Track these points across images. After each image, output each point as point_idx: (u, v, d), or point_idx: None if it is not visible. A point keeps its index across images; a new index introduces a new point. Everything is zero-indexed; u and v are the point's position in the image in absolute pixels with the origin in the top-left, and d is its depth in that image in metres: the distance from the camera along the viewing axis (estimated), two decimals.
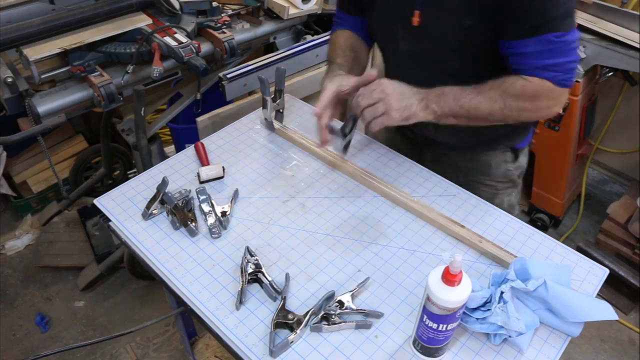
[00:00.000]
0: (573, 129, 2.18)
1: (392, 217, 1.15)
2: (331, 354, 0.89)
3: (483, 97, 1.04)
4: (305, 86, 1.82)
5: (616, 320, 2.13)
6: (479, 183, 1.32)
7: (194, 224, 1.10)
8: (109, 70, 1.57)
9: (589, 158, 2.50)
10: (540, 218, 2.52)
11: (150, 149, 1.81)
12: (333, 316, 0.93)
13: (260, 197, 1.19)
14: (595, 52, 1.98)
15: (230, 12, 1.85)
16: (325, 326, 0.92)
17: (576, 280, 1.02)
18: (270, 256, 1.06)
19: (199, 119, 1.58)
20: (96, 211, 2.32)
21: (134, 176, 1.28)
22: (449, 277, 0.76)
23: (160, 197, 1.12)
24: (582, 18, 2.04)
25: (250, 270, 1.00)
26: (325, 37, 1.88)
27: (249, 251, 1.04)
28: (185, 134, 2.07)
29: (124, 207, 1.16)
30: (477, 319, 0.90)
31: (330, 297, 0.96)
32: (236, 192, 1.18)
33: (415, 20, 1.06)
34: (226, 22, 1.78)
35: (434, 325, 0.82)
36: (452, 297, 0.77)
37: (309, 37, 1.92)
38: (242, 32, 1.83)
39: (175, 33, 1.60)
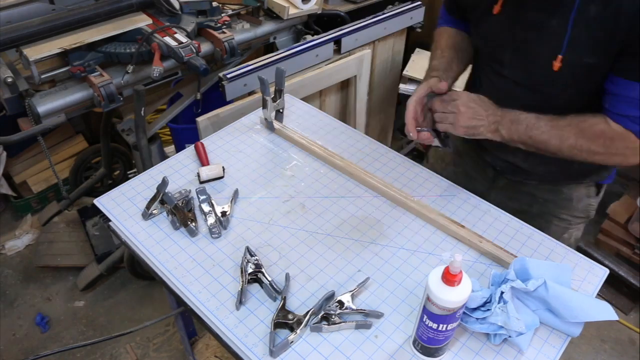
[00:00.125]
0: None
1: (392, 217, 1.15)
2: (331, 354, 0.89)
3: (555, 132, 1.02)
4: (305, 86, 1.82)
5: (616, 320, 2.13)
6: (554, 216, 1.26)
7: (194, 224, 1.10)
8: (109, 70, 1.57)
9: None
10: None
11: (150, 149, 1.81)
12: (333, 316, 0.93)
13: (260, 197, 1.19)
14: None
15: (230, 12, 1.85)
16: (325, 326, 0.92)
17: (576, 280, 1.02)
18: (270, 256, 1.06)
19: (199, 119, 1.58)
20: (96, 211, 2.34)
21: (134, 176, 1.28)
22: (449, 277, 0.76)
23: (160, 197, 1.12)
24: None
25: (250, 270, 1.00)
26: (325, 37, 1.88)
27: (249, 251, 1.04)
28: (185, 134, 2.07)
29: (124, 207, 1.16)
30: (477, 319, 0.90)
31: (330, 297, 0.96)
32: (236, 192, 1.18)
33: (557, 65, 0.99)
34: (226, 22, 1.77)
35: (434, 325, 0.82)
36: (452, 297, 0.77)
37: (309, 37, 1.92)
38: (242, 32, 1.83)
39: (175, 33, 1.60)
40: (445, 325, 0.81)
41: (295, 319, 0.93)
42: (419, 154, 2.82)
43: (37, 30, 1.48)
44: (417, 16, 2.17)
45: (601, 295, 2.22)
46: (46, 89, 1.54)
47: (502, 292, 0.89)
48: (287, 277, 1.00)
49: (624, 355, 2.07)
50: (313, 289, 1.00)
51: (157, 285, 2.19)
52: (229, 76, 1.65)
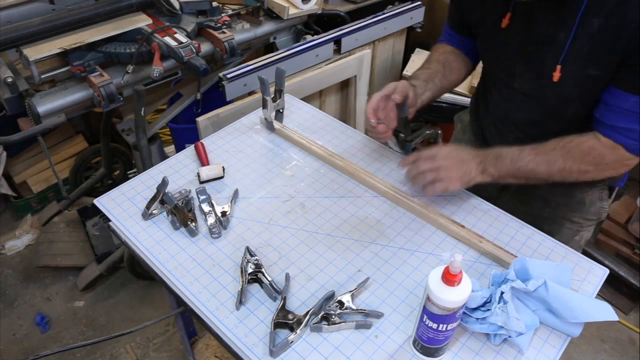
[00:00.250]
0: None
1: (392, 217, 1.15)
2: (331, 354, 0.89)
3: (541, 159, 1.03)
4: (305, 86, 1.82)
5: (616, 321, 2.13)
6: (566, 219, 1.26)
7: (194, 224, 1.10)
8: (109, 70, 1.57)
9: None
10: None
11: (150, 149, 1.81)
12: (333, 316, 0.93)
13: (260, 197, 1.19)
14: None
15: (230, 12, 1.85)
16: (325, 326, 0.92)
17: (576, 280, 1.02)
18: (270, 256, 1.06)
19: (199, 119, 1.58)
20: (96, 211, 2.34)
21: (134, 176, 1.28)
22: (449, 277, 0.76)
23: (160, 197, 1.12)
24: None
25: (250, 270, 1.00)
26: (325, 37, 1.88)
27: (249, 251, 1.04)
28: (185, 134, 2.07)
29: (124, 207, 1.16)
30: (477, 319, 0.90)
31: (330, 297, 0.96)
32: (236, 192, 1.18)
33: (557, 75, 1.00)
34: (226, 22, 1.77)
35: (434, 325, 0.82)
36: (452, 297, 0.77)
37: (309, 37, 1.92)
38: (242, 32, 1.83)
39: (175, 33, 1.60)
40: (445, 325, 0.81)
41: (295, 319, 0.93)
42: None
43: (37, 30, 1.48)
44: (417, 16, 2.17)
45: (601, 295, 2.22)
46: (46, 89, 1.54)
47: (502, 292, 0.89)
48: (287, 277, 1.00)
49: (624, 355, 2.07)
50: (313, 289, 1.00)
51: (157, 285, 2.19)
52: (229, 76, 1.65)
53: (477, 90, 1.34)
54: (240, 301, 0.96)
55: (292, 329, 0.92)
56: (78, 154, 2.58)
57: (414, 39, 2.35)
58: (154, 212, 1.13)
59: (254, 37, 1.87)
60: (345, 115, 2.17)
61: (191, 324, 1.66)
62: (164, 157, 1.96)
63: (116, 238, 1.16)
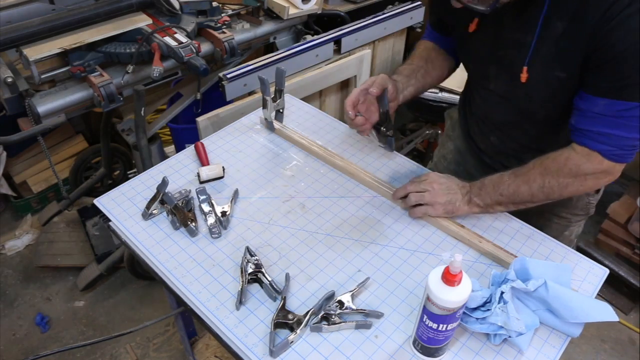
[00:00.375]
0: None
1: (392, 217, 1.15)
2: (331, 354, 0.89)
3: (521, 180, 1.04)
4: (305, 86, 1.82)
5: (616, 321, 2.13)
6: (554, 215, 1.27)
7: (194, 224, 1.10)
8: (109, 70, 1.57)
9: None
10: None
11: (150, 149, 1.81)
12: (333, 316, 0.93)
13: (260, 197, 1.19)
14: None
15: (230, 12, 1.85)
16: (325, 326, 0.92)
17: (576, 280, 1.02)
18: (270, 256, 1.06)
19: (199, 119, 1.58)
20: (96, 211, 2.34)
21: (134, 176, 1.28)
22: (449, 277, 0.76)
23: (160, 197, 1.12)
24: None
25: (250, 270, 1.00)
26: (325, 37, 1.88)
27: (249, 251, 1.04)
28: (185, 134, 2.07)
29: (124, 207, 1.16)
30: (477, 319, 0.89)
31: (330, 297, 0.96)
32: (236, 192, 1.19)
33: (524, 76, 1.01)
34: (226, 22, 1.78)
35: (434, 325, 0.82)
36: (452, 297, 0.77)
37: (309, 37, 1.92)
38: (242, 32, 1.83)
39: (175, 33, 1.60)
40: (445, 325, 0.81)
41: (295, 319, 0.93)
42: (419, 154, 2.82)
43: (37, 30, 1.48)
44: (417, 16, 2.17)
45: (601, 295, 2.22)
46: (46, 89, 1.54)
47: (502, 292, 0.89)
48: (287, 277, 1.00)
49: (624, 355, 2.07)
50: (313, 289, 1.00)
51: (157, 285, 2.19)
52: (229, 76, 1.65)
53: (464, 89, 1.34)
54: (240, 301, 0.96)
55: (292, 329, 0.92)
56: (78, 154, 2.58)
57: (414, 39, 2.35)
58: (154, 212, 1.13)
59: (254, 37, 1.87)
60: (345, 115, 2.17)
61: (191, 324, 1.66)
62: (164, 157, 1.96)
63: (116, 238, 1.16)
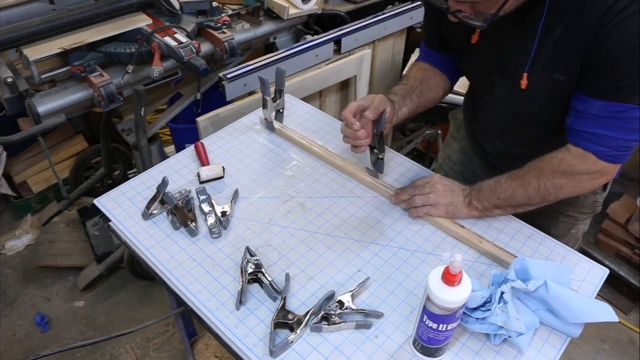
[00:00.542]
0: None
1: (392, 217, 1.15)
2: (331, 354, 0.89)
3: (517, 183, 1.04)
4: (305, 86, 1.82)
5: (616, 321, 2.13)
6: (561, 213, 1.26)
7: (194, 224, 1.10)
8: (109, 70, 1.57)
9: None
10: None
11: (150, 149, 1.81)
12: (333, 316, 0.93)
13: (260, 197, 1.19)
14: None
15: (230, 12, 1.85)
16: (325, 326, 0.92)
17: (576, 280, 1.02)
18: (270, 256, 1.06)
19: (199, 119, 1.58)
20: (96, 211, 2.34)
21: (134, 176, 1.28)
22: (449, 277, 0.76)
23: (160, 197, 1.12)
24: None
25: (250, 270, 1.00)
26: (325, 37, 1.88)
27: (249, 251, 1.04)
28: (185, 134, 2.07)
29: (124, 207, 1.16)
30: (477, 319, 0.89)
31: (330, 297, 0.96)
32: (236, 192, 1.18)
33: (524, 83, 1.01)
34: (226, 22, 1.77)
35: (434, 325, 0.82)
36: (452, 297, 0.77)
37: (309, 37, 1.92)
38: (242, 32, 1.83)
39: (175, 33, 1.60)
40: (445, 325, 0.81)
41: (295, 319, 0.93)
42: (419, 154, 2.82)
43: (37, 30, 1.48)
44: (417, 16, 2.17)
45: (601, 295, 2.22)
46: (46, 89, 1.54)
47: (502, 292, 0.89)
48: (287, 277, 1.00)
49: (624, 355, 2.07)
50: (313, 289, 1.00)
51: (157, 285, 2.19)
52: (229, 76, 1.65)
53: (468, 93, 1.34)
54: (240, 301, 0.96)
55: (292, 329, 0.92)
56: (78, 154, 2.58)
57: (414, 39, 2.35)
58: (154, 212, 1.13)
59: (254, 37, 1.87)
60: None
61: (191, 324, 1.66)
62: (164, 157, 1.96)
63: (116, 238, 1.16)
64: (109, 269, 2.20)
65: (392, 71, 2.33)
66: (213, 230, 1.10)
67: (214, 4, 1.78)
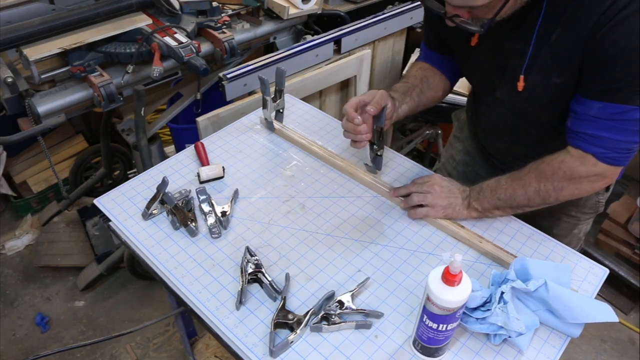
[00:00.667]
0: None
1: (392, 217, 1.15)
2: (331, 354, 0.89)
3: (517, 184, 1.04)
4: (305, 86, 1.82)
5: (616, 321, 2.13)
6: (563, 213, 1.26)
7: (194, 224, 1.10)
8: (109, 70, 1.57)
9: None
10: None
11: (150, 149, 1.81)
12: (333, 316, 0.93)
13: (260, 197, 1.19)
14: None
15: (230, 12, 1.85)
16: (325, 326, 0.92)
17: (576, 280, 1.02)
18: (270, 256, 1.06)
19: (199, 119, 1.58)
20: (96, 211, 2.34)
21: (134, 176, 1.28)
22: (449, 277, 0.76)
23: (160, 197, 1.12)
24: None
25: (250, 270, 1.00)
26: (325, 37, 1.88)
27: (249, 251, 1.04)
28: (185, 134, 2.07)
29: (124, 207, 1.16)
30: (477, 319, 0.90)
31: (330, 297, 0.96)
32: (236, 192, 1.18)
33: (521, 85, 1.02)
34: (226, 22, 1.77)
35: (434, 325, 0.82)
36: (452, 297, 0.77)
37: (309, 37, 1.92)
38: (242, 32, 1.83)
39: (175, 33, 1.60)
40: (445, 325, 0.81)
41: (295, 319, 0.93)
42: (419, 154, 2.82)
43: (37, 30, 1.48)
44: (417, 16, 2.17)
45: (601, 295, 2.22)
46: (46, 89, 1.54)
47: (502, 292, 0.89)
48: (287, 277, 1.00)
49: (624, 355, 2.07)
50: (313, 289, 1.00)
51: (157, 285, 2.19)
52: (229, 76, 1.65)
53: (470, 94, 1.35)
54: (240, 301, 0.96)
55: (292, 329, 0.92)
56: (78, 154, 2.58)
57: (414, 39, 2.35)
58: (154, 212, 1.13)
59: (254, 37, 1.87)
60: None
61: (191, 324, 1.66)
62: (164, 157, 1.96)
63: (116, 238, 1.16)
64: (109, 269, 2.20)
65: (392, 71, 2.33)
66: (213, 230, 1.10)
67: (214, 4, 1.78)
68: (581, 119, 0.95)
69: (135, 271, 2.17)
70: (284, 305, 0.95)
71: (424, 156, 2.67)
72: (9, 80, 1.44)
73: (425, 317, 0.82)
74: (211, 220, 1.12)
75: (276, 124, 1.37)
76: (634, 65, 0.85)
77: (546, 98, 1.01)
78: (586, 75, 0.92)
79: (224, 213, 1.13)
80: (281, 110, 1.37)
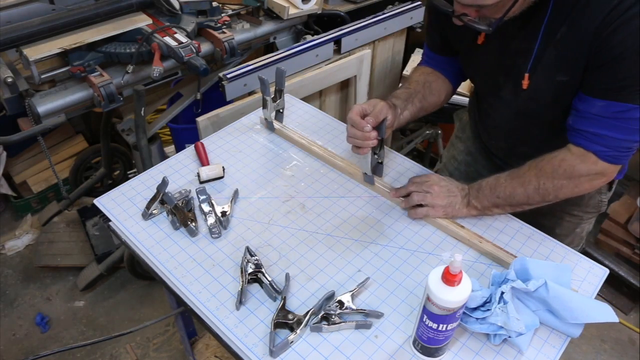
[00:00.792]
0: None
1: (392, 217, 1.15)
2: (331, 354, 0.89)
3: (517, 182, 1.04)
4: (305, 86, 1.82)
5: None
6: (565, 213, 1.26)
7: (194, 224, 1.10)
8: (109, 70, 1.57)
9: None
10: None
11: (150, 149, 1.81)
12: (333, 316, 0.93)
13: (260, 197, 1.19)
14: None
15: (230, 12, 1.85)
16: (325, 326, 0.92)
17: (576, 280, 1.02)
18: (270, 256, 1.06)
19: (199, 119, 1.58)
20: (96, 211, 2.34)
21: (134, 176, 1.28)
22: (449, 277, 0.76)
23: (160, 197, 1.12)
24: None
25: (250, 270, 1.00)
26: (325, 37, 1.88)
27: (249, 251, 1.04)
28: (185, 134, 2.07)
29: (124, 207, 1.16)
30: (477, 319, 0.90)
31: (330, 297, 0.96)
32: (236, 192, 1.18)
33: (525, 83, 1.02)
34: (226, 22, 1.77)
35: (434, 325, 0.82)
36: (452, 297, 0.77)
37: (309, 37, 1.92)
38: (242, 32, 1.83)
39: (175, 33, 1.60)
40: (445, 325, 0.81)
41: (295, 319, 0.93)
42: (419, 154, 2.82)
43: (37, 30, 1.48)
44: (417, 16, 2.17)
45: (601, 295, 2.22)
46: (46, 89, 1.54)
47: (502, 292, 0.89)
48: (287, 277, 1.00)
49: (624, 355, 2.07)
50: (313, 289, 1.00)
51: (157, 285, 2.19)
52: (229, 76, 1.65)
53: (473, 94, 1.34)
54: (240, 301, 0.96)
55: (292, 329, 0.92)
56: (78, 154, 2.58)
57: (414, 39, 2.35)
58: (154, 212, 1.13)
59: (254, 37, 1.87)
60: (345, 115, 2.15)
61: (191, 324, 1.66)
62: (164, 157, 1.96)
63: (116, 238, 1.16)
64: (109, 269, 2.20)
65: (392, 71, 2.33)
66: (213, 230, 1.10)
67: (214, 4, 1.78)
68: (583, 117, 0.95)
69: (135, 271, 2.17)
70: (284, 305, 0.95)
71: (424, 156, 2.67)
72: (9, 80, 1.44)
73: (425, 317, 0.82)
74: (211, 220, 1.12)
75: (276, 124, 1.37)
76: (637, 65, 0.85)
77: (550, 97, 1.01)
78: (590, 73, 0.92)
79: (224, 213, 1.13)
80: (281, 110, 1.37)
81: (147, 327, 1.51)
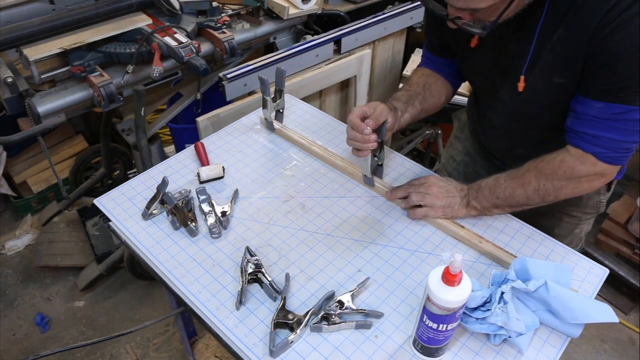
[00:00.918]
0: None
1: (392, 217, 1.15)
2: (331, 354, 0.89)
3: (517, 182, 1.04)
4: (305, 86, 1.82)
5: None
6: (564, 214, 1.26)
7: (194, 224, 1.10)
8: (109, 70, 1.57)
9: None
10: None
11: (150, 149, 1.81)
12: (333, 316, 0.93)
13: (260, 197, 1.19)
14: None
15: (230, 12, 1.85)
16: (325, 326, 0.92)
17: (576, 280, 1.02)
18: (270, 256, 1.06)
19: (199, 119, 1.58)
20: (96, 211, 2.34)
21: (134, 176, 1.28)
22: (449, 277, 0.76)
23: (160, 197, 1.12)
24: None
25: (250, 270, 1.00)
26: (325, 37, 1.88)
27: (249, 251, 1.04)
28: (185, 134, 2.07)
29: (124, 207, 1.16)
30: (477, 319, 0.90)
31: (330, 297, 0.96)
32: (236, 192, 1.18)
33: (521, 85, 1.02)
34: (226, 22, 1.77)
35: (434, 325, 0.82)
36: (452, 297, 0.77)
37: (309, 37, 1.92)
38: (242, 32, 1.83)
39: (175, 33, 1.60)
40: (445, 325, 0.81)
41: (295, 319, 0.93)
42: (419, 154, 2.82)
43: (37, 30, 1.48)
44: (417, 16, 2.17)
45: (601, 295, 2.22)
46: (46, 89, 1.54)
47: (502, 292, 0.89)
48: (287, 277, 1.00)
49: (624, 355, 2.07)
50: (313, 289, 1.00)
51: (157, 285, 2.19)
52: (229, 76, 1.65)
53: (471, 95, 1.34)
54: (240, 301, 0.96)
55: (292, 329, 0.92)
56: (78, 154, 2.58)
57: (414, 39, 2.35)
58: (154, 212, 1.13)
59: (254, 37, 1.87)
60: (345, 115, 2.17)
61: (191, 324, 1.66)
62: (164, 157, 1.96)
63: (116, 238, 1.16)
64: (109, 269, 2.20)
65: (392, 71, 2.33)
66: (213, 230, 1.10)
67: (214, 4, 1.78)
68: (581, 119, 0.95)
69: (135, 271, 2.17)
70: (284, 305, 0.95)
71: (424, 156, 2.67)
72: (9, 80, 1.44)
73: (425, 317, 0.82)
74: (211, 220, 1.12)
75: (276, 124, 1.37)
76: (636, 66, 0.85)
77: (547, 99, 1.01)
78: (588, 75, 0.92)
79: (224, 213, 1.13)
80: (281, 110, 1.37)
81: (147, 327, 1.51)
